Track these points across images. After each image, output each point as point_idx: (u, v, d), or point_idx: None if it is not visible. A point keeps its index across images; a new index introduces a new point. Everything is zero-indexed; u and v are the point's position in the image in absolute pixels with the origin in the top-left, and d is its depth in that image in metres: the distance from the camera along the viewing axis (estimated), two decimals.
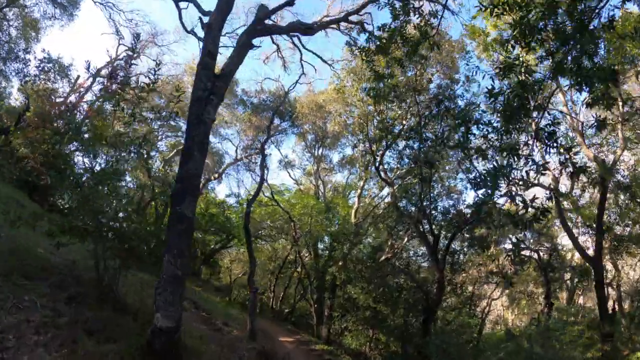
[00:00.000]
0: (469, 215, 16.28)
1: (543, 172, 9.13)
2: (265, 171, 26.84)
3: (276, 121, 28.84)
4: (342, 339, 22.63)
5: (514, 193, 8.38)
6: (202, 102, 9.46)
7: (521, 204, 8.33)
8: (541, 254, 36.93)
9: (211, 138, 32.34)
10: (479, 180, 15.27)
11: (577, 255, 40.14)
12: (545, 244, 36.54)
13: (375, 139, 19.83)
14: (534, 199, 8.32)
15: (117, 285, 10.89)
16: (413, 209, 18.18)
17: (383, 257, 22.73)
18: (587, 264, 38.11)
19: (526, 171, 8.43)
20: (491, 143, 10.57)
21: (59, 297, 9.63)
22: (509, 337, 23.57)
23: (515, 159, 8.42)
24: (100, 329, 8.78)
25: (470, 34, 19.64)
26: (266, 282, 40.09)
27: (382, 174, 20.69)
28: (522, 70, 9.17)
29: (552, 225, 35.25)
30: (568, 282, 40.48)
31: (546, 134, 9.07)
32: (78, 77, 32.46)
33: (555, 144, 9.28)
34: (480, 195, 16.14)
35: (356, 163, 27.85)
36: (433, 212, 17.56)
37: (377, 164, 20.19)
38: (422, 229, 18.72)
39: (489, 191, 8.71)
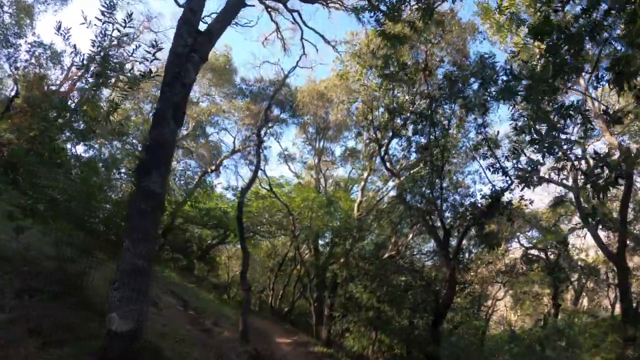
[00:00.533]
0: (484, 208, 14.54)
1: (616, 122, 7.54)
2: (263, 160, 25.20)
3: (276, 111, 27.21)
4: (343, 341, 20.87)
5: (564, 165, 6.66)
6: (181, 59, 7.77)
7: (592, 160, 6.61)
8: (549, 253, 35.29)
9: (208, 129, 30.78)
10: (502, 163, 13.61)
11: (583, 254, 38.54)
12: (554, 242, 34.84)
13: (380, 127, 18.09)
14: (606, 156, 6.63)
15: (84, 279, 9.25)
16: (421, 201, 16.41)
17: (386, 255, 21.00)
18: (594, 264, 36.66)
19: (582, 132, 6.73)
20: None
21: (6, 290, 8.03)
22: (512, 338, 21.93)
23: (565, 120, 6.71)
24: (51, 329, 7.13)
25: (483, 14, 17.98)
26: (265, 279, 38.46)
27: (388, 164, 18.96)
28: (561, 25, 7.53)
29: (562, 222, 33.54)
30: (575, 283, 38.84)
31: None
32: (72, 63, 30.85)
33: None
34: (499, 182, 14.60)
35: (359, 155, 26.17)
36: (444, 204, 15.79)
37: (382, 154, 18.47)
38: (431, 224, 17.00)
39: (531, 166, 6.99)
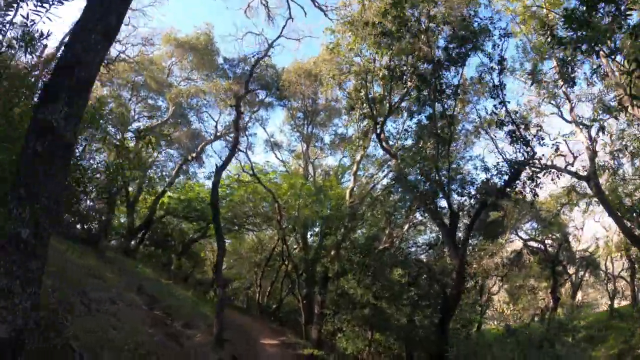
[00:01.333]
0: (499, 186, 12.30)
1: None
2: (247, 147, 22.74)
3: (260, 94, 24.73)
4: (335, 342, 18.51)
5: None
6: None
7: None
8: (547, 245, 33.42)
9: (188, 114, 28.14)
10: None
11: (581, 246, 36.74)
12: (554, 234, 32.99)
13: (376, 101, 15.77)
14: None
15: None
16: (425, 182, 14.13)
17: (380, 247, 18.71)
18: (593, 256, 34.89)
19: None
20: None
21: None
22: (509, 333, 19.87)
23: None
24: None
25: None
26: (252, 275, 35.98)
27: (384, 144, 16.63)
28: None
29: (564, 212, 31.68)
30: (572, 276, 37.10)
31: None
32: (45, 46, 27.90)
33: None
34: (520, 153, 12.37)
35: (351, 140, 23.81)
36: (452, 184, 13.53)
37: (377, 132, 16.14)
38: (435, 208, 14.72)
39: None
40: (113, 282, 12.96)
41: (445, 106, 13.15)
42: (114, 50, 28.93)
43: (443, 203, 15.32)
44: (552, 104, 19.79)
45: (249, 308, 36.01)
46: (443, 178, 13.33)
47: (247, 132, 24.78)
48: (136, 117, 30.05)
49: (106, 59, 31.90)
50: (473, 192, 12.77)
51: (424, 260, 21.49)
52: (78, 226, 20.76)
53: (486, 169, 12.63)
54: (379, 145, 17.24)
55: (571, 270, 36.24)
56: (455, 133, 14.52)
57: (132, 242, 27.68)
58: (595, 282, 38.15)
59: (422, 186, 14.39)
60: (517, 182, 12.16)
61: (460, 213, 13.57)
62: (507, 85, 15.36)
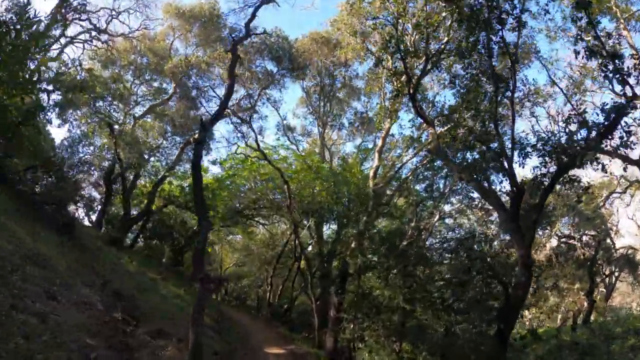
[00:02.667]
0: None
1: None
2: (257, 132, 19.09)
3: (269, 66, 21.13)
4: (354, 354, 14.70)
5: None
6: None
7: None
8: (583, 243, 29.03)
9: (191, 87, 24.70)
10: None
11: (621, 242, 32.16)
12: (593, 230, 28.52)
13: (410, 51, 12.00)
14: None
15: None
16: (477, 149, 10.31)
17: (407, 241, 14.88)
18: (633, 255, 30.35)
19: None
20: None
21: None
22: (534, 338, 16.16)
23: None
24: None
25: None
26: (262, 273, 32.40)
27: (419, 108, 12.82)
28: None
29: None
30: (608, 277, 32.56)
31: None
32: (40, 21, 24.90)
33: None
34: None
35: (373, 121, 20.02)
36: (515, 148, 9.66)
37: (411, 92, 12.32)
38: (488, 185, 10.89)
39: None
40: (65, 274, 9.45)
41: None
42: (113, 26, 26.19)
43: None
44: None
45: (260, 308, 32.50)
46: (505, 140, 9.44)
47: (255, 112, 21.27)
48: (139, 100, 26.88)
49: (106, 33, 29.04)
50: (544, 151, 8.83)
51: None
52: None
53: (567, 120, 8.73)
54: (412, 111, 13.43)
55: (608, 270, 31.92)
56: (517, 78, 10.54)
57: (128, 234, 24.47)
58: (634, 283, 33.24)
59: (471, 155, 10.59)
60: (610, 135, 8.29)
61: (537, 179, 9.58)
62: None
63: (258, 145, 16.05)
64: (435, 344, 12.46)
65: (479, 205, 20.34)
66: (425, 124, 13.36)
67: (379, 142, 16.82)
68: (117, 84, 25.95)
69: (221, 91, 23.05)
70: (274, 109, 23.51)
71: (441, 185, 20.07)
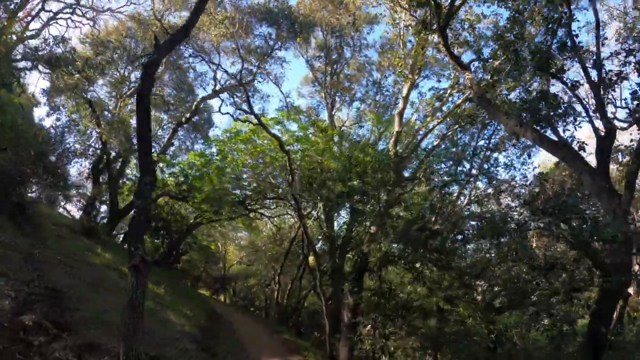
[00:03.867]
0: None
1: None
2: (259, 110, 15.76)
3: (267, 30, 17.88)
4: None
5: None
6: None
7: None
8: None
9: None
10: None
11: None
12: None
13: None
14: None
15: None
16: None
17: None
18: None
19: None
20: None
21: None
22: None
23: None
24: None
25: None
26: (269, 271, 29.15)
27: (452, 49, 9.45)
28: None
29: None
30: None
31: None
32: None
33: None
34: None
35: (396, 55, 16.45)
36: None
37: (440, 24, 8.94)
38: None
39: None
40: None
41: None
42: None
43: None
44: None
45: (267, 308, 29.28)
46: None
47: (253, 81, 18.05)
48: (132, 85, 23.87)
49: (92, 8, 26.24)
50: None
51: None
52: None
53: None
54: (444, 53, 10.05)
55: None
56: None
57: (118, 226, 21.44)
58: None
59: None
60: None
61: None
62: None
63: (250, 106, 12.69)
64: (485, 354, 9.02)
65: (512, 188, 16.93)
66: (460, 68, 9.94)
67: (400, 104, 13.38)
68: (108, 67, 23.13)
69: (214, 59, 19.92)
70: (276, 86, 20.39)
71: (466, 166, 16.72)
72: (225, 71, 15.11)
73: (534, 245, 11.52)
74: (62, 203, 19.32)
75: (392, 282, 10.88)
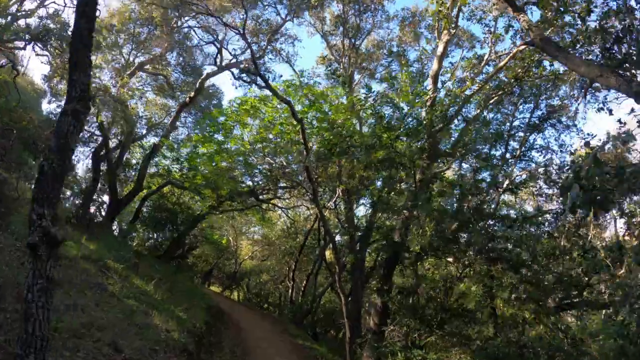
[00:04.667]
0: None
1: None
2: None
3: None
4: None
5: None
6: None
7: None
8: None
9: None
10: None
11: None
12: None
13: None
14: None
15: None
16: None
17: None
18: None
19: None
20: None
21: None
22: None
23: None
24: None
25: None
26: (283, 266, 27.02)
27: None
28: None
29: None
30: None
31: None
32: None
33: None
34: None
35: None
36: None
37: None
38: None
39: None
40: None
41: None
42: None
43: None
44: None
45: (281, 306, 27.11)
46: None
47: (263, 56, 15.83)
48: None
49: None
50: None
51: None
52: None
53: None
54: None
55: None
56: None
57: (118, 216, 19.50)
58: None
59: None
60: None
61: None
62: None
63: (255, 64, 10.32)
64: None
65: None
66: (512, 11, 7.48)
67: (440, 47, 10.80)
68: (112, 50, 21.29)
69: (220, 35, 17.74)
70: (288, 64, 18.18)
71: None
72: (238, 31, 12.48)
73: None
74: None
75: (434, 279, 8.54)
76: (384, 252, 10.11)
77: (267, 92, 12.25)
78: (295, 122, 10.57)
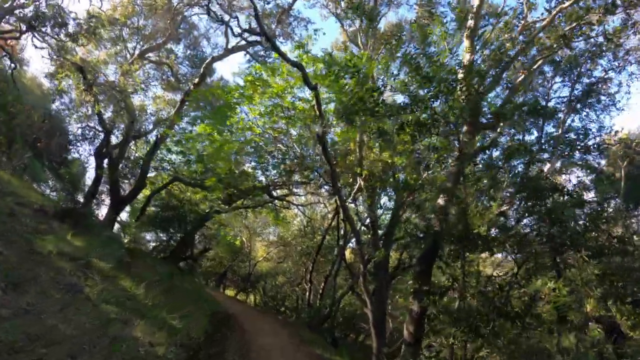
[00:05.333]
0: None
1: None
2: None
3: None
4: None
5: None
6: None
7: None
8: None
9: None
10: None
11: None
12: None
13: None
14: None
15: None
16: None
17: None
18: None
19: None
20: None
21: None
22: None
23: None
24: None
25: None
26: (299, 268, 25.24)
27: None
28: None
29: None
30: None
31: None
32: None
33: None
34: None
35: None
36: None
37: None
38: None
39: None
40: None
41: None
42: None
43: None
44: None
45: (298, 310, 25.27)
46: None
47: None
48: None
49: None
50: None
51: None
52: None
53: None
54: None
55: None
56: None
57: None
58: None
59: None
60: None
61: None
62: None
63: (260, 23, 8.49)
64: None
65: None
66: None
67: (470, 22, 8.80)
68: (117, 44, 20.09)
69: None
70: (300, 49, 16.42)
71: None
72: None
73: None
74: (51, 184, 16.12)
75: (488, 276, 6.66)
76: (417, 245, 8.22)
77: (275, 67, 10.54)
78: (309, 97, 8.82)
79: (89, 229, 12.37)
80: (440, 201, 7.40)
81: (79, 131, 20.64)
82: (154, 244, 18.96)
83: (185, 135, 15.17)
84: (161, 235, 18.56)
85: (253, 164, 16.29)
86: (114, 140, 16.49)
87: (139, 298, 8.36)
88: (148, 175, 17.63)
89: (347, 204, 14.93)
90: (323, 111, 8.09)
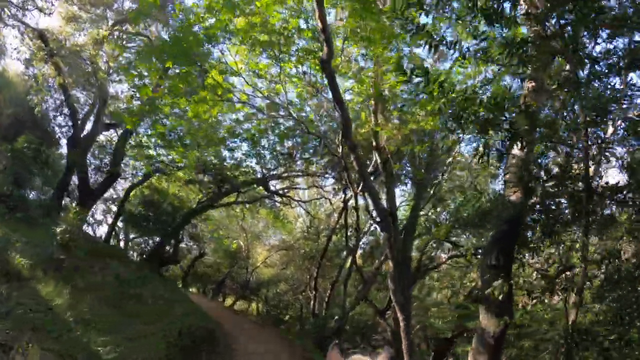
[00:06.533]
0: None
1: None
2: None
3: None
4: None
5: None
6: None
7: None
8: None
9: None
10: None
11: None
12: None
13: None
14: None
15: None
16: None
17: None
18: None
19: None
20: None
21: None
22: None
23: None
24: None
25: None
26: (303, 273, 22.34)
27: None
28: None
29: None
30: None
31: None
32: None
33: None
34: None
35: None
36: None
37: None
38: None
39: None
40: None
41: None
42: None
43: None
44: None
45: (302, 320, 22.25)
46: None
47: None
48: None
49: None
50: None
51: None
52: None
53: None
54: None
55: None
56: None
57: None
58: None
59: None
60: None
61: None
62: None
63: None
64: None
65: None
66: None
67: None
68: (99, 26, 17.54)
69: None
70: None
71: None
72: None
73: None
74: None
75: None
76: (494, 231, 5.22)
77: None
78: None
79: (29, 219, 9.63)
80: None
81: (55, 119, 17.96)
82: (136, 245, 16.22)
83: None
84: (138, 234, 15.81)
85: (245, 148, 13.67)
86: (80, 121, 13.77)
87: (58, 310, 5.54)
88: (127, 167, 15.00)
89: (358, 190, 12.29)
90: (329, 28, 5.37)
